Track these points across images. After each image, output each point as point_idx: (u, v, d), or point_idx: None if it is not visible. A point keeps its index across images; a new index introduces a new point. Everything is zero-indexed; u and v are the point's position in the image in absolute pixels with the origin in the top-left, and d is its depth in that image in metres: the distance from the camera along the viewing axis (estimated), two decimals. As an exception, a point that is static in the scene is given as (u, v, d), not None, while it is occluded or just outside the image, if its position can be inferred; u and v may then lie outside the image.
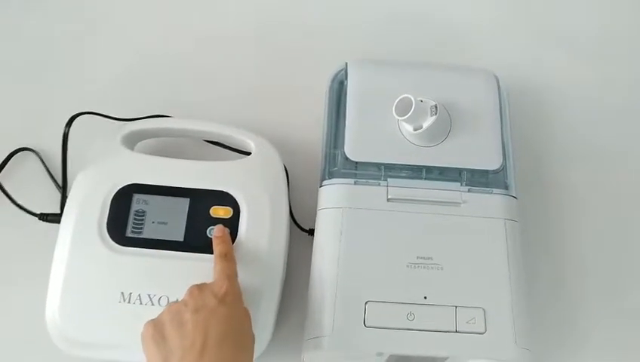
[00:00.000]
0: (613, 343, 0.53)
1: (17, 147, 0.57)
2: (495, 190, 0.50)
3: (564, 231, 0.57)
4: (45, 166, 0.57)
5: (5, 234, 0.54)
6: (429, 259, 0.47)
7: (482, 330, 0.45)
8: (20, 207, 0.53)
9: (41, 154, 0.57)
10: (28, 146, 0.58)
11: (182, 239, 0.49)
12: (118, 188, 0.50)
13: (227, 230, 0.48)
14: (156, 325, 0.41)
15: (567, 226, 0.57)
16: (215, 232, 0.47)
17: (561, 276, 0.55)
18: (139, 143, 0.56)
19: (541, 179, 0.59)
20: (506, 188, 0.51)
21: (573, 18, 0.69)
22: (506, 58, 0.65)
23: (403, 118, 0.49)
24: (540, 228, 0.57)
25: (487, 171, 0.51)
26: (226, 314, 0.41)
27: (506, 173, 0.52)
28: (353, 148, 0.51)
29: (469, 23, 0.68)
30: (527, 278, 0.48)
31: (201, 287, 0.43)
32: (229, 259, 0.45)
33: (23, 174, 0.57)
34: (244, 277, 0.46)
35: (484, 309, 0.45)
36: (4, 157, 0.56)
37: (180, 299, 0.42)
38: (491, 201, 0.50)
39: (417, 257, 0.47)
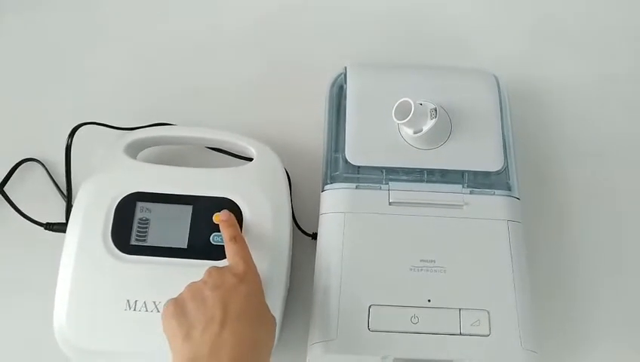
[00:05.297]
0: (620, 344, 0.52)
1: (22, 158, 0.58)
2: (497, 191, 0.50)
3: (568, 230, 0.57)
4: (50, 176, 0.57)
5: (12, 244, 0.55)
6: (432, 261, 0.47)
7: (487, 333, 0.45)
8: (26, 217, 0.54)
9: (47, 164, 0.58)
10: (33, 157, 0.58)
11: (185, 246, 0.49)
12: (122, 196, 0.50)
13: (232, 214, 0.48)
14: (177, 302, 0.42)
15: (570, 226, 0.57)
16: (221, 217, 0.48)
17: (566, 276, 0.55)
18: (141, 152, 0.56)
19: (544, 179, 0.59)
20: (509, 189, 0.51)
21: (572, 14, 0.68)
22: (506, 57, 0.65)
23: (403, 121, 0.49)
24: (544, 228, 0.56)
25: (489, 172, 0.51)
26: (245, 291, 0.42)
27: (508, 174, 0.52)
28: (354, 153, 0.51)
29: (467, 22, 0.68)
30: (532, 279, 0.48)
31: (219, 268, 0.44)
32: (239, 241, 0.46)
33: (28, 184, 0.57)
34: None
35: (488, 311, 0.45)
36: (10, 168, 0.57)
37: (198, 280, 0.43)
38: (494, 203, 0.49)
39: (420, 260, 0.47)
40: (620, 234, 0.57)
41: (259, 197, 0.50)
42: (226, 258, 0.46)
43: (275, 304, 0.48)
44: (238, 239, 0.46)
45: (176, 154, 0.58)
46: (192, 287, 0.42)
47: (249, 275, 0.43)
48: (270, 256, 0.49)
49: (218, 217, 0.48)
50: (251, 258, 0.45)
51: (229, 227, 0.47)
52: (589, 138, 0.61)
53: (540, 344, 0.46)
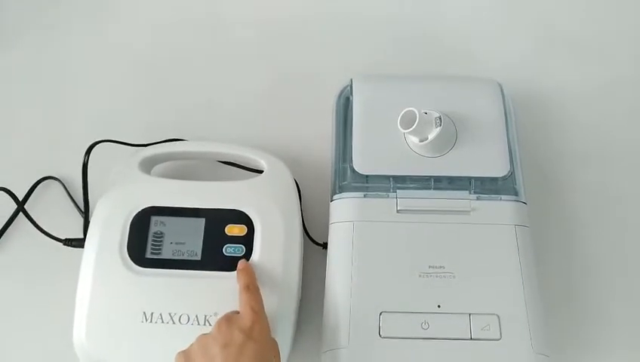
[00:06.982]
0: (630, 347, 0.52)
1: (42, 176, 0.59)
2: (504, 196, 0.50)
3: (575, 233, 0.57)
4: (68, 193, 0.59)
5: (33, 259, 0.56)
6: (441, 267, 0.47)
7: (497, 337, 0.45)
8: (46, 234, 0.55)
9: (64, 181, 0.59)
10: (51, 175, 0.60)
11: (199, 258, 0.50)
12: (137, 211, 0.51)
13: (249, 264, 0.49)
14: (187, 356, 0.42)
15: (578, 229, 0.57)
16: (238, 266, 0.48)
17: (575, 279, 0.55)
18: (155, 167, 0.58)
19: (550, 183, 0.59)
20: (515, 194, 0.51)
21: (576, 20, 0.69)
22: (510, 64, 0.65)
23: (408, 130, 0.49)
24: (551, 232, 0.56)
25: (495, 178, 0.51)
26: (254, 349, 0.41)
27: (514, 179, 0.52)
28: (361, 162, 0.52)
29: (471, 31, 0.69)
30: (541, 282, 0.48)
31: (229, 321, 0.43)
32: (252, 291, 0.46)
33: (47, 202, 0.59)
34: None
35: (498, 315, 0.45)
36: (30, 187, 0.59)
37: (208, 332, 0.43)
38: (501, 208, 0.50)
39: (429, 266, 0.47)
40: (626, 237, 0.57)
41: (270, 209, 0.51)
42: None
43: (288, 313, 0.49)
44: (251, 288, 0.46)
45: (189, 168, 0.59)
46: (202, 342, 0.42)
47: (257, 329, 0.43)
48: (282, 267, 0.49)
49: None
50: (262, 307, 0.45)
51: (244, 276, 0.47)
52: (594, 142, 0.61)
53: (551, 347, 0.46)
